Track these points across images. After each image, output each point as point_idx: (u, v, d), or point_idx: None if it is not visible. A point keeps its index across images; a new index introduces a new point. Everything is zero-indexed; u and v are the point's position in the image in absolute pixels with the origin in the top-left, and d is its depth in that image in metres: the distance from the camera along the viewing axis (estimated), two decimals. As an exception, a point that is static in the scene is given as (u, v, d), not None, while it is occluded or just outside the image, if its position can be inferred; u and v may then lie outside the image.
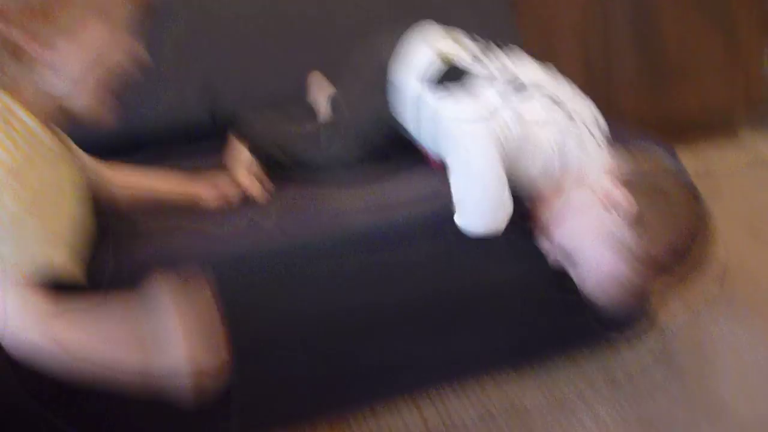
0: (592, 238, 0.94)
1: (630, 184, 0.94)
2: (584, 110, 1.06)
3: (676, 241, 0.92)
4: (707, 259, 0.95)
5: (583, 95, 1.09)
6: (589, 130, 1.02)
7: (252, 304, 0.98)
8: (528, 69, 1.09)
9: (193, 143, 1.38)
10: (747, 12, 2.51)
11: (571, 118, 1.01)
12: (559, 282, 1.02)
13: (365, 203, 1.04)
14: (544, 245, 1.00)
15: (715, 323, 1.33)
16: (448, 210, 1.01)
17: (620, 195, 0.92)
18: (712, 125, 2.68)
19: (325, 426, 1.14)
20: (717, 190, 2.09)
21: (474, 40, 1.14)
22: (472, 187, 0.98)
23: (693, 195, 0.95)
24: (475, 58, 1.07)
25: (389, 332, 1.12)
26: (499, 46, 1.14)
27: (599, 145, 1.02)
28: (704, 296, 1.43)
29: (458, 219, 0.99)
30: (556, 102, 1.02)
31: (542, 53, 2.26)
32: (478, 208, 0.99)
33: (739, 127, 2.72)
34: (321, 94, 1.38)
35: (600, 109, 1.08)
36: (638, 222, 0.91)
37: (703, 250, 0.94)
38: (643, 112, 2.45)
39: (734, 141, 2.65)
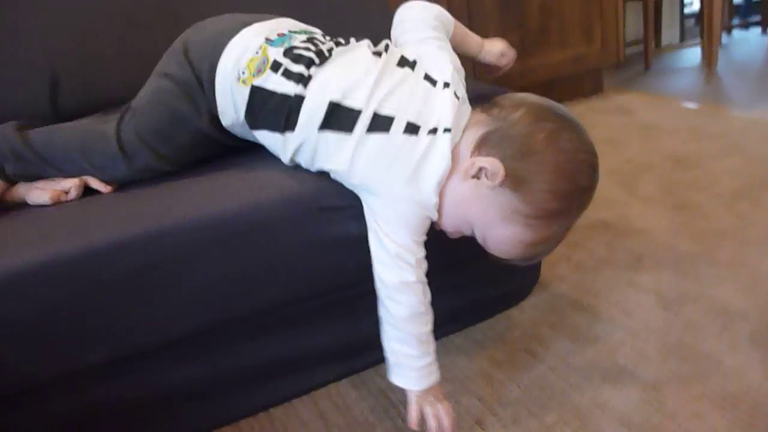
0: (476, 209, 0.89)
1: (500, 133, 0.88)
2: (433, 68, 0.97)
3: (561, 184, 0.86)
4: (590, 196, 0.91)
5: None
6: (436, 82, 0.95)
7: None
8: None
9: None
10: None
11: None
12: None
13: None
14: (441, 228, 0.95)
15: (602, 282, 1.34)
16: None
17: (483, 161, 0.86)
18: (578, 83, 2.76)
19: (215, 436, 1.05)
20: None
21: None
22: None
23: (574, 134, 0.89)
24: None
25: (269, 329, 1.05)
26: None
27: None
28: (590, 255, 1.45)
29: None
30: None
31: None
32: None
33: (602, 84, 2.82)
34: None
35: (469, 73, 1.03)
36: (514, 179, 0.86)
37: (590, 187, 0.90)
38: (511, 73, 2.47)
39: (599, 97, 2.75)
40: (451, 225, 0.94)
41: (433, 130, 0.89)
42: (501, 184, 0.86)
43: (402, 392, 0.98)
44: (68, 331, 0.85)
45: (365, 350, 1.13)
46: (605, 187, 1.80)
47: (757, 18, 3.88)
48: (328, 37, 1.03)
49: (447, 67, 0.96)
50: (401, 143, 0.88)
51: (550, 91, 2.66)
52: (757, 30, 3.78)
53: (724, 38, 3.66)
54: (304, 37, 1.01)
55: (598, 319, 1.22)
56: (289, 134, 0.94)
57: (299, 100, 0.92)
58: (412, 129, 0.89)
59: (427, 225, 0.92)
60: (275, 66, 0.95)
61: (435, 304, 0.96)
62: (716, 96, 2.63)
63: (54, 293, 0.83)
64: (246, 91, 0.95)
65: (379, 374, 1.14)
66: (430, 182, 0.89)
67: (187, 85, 1.00)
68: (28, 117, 1.20)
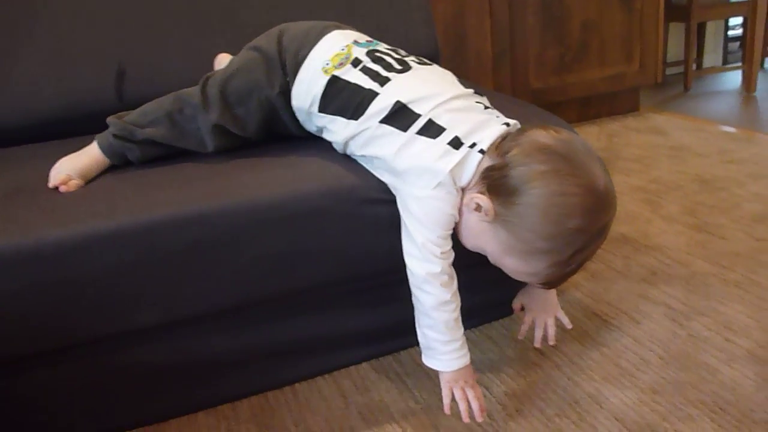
0: (482, 239, 0.97)
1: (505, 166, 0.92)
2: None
3: (546, 227, 0.89)
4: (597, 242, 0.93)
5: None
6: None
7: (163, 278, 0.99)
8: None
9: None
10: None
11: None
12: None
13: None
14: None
15: (615, 292, 1.42)
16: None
17: (479, 197, 0.93)
18: (615, 101, 2.81)
19: (244, 403, 1.16)
20: (617, 163, 2.21)
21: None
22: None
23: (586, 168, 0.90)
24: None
25: (302, 310, 1.15)
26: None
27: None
28: (606, 266, 1.53)
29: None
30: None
31: (452, 33, 2.34)
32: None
33: (639, 103, 2.87)
34: None
35: (508, 89, 1.12)
36: (504, 219, 0.92)
37: (584, 228, 0.90)
38: (549, 89, 2.55)
39: (635, 116, 2.80)
40: (469, 245, 1.01)
41: (472, 145, 0.96)
42: (495, 221, 0.93)
43: (418, 377, 1.07)
44: (125, 293, 0.97)
45: (387, 337, 1.23)
46: (630, 202, 1.87)
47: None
48: (414, 57, 1.13)
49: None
50: (443, 152, 0.96)
51: (587, 107, 2.74)
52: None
53: (767, 63, 3.66)
54: (389, 46, 1.14)
55: (607, 325, 1.30)
56: (353, 122, 1.04)
57: (372, 95, 1.02)
58: (456, 143, 0.96)
59: (452, 223, 0.99)
60: (356, 62, 1.07)
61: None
62: (752, 121, 2.66)
63: (115, 259, 0.95)
64: (324, 80, 1.07)
65: (397, 360, 1.24)
66: (457, 187, 0.97)
67: (269, 59, 1.12)
68: (95, 103, 1.34)
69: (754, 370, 1.13)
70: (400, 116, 1.00)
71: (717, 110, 2.86)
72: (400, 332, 1.21)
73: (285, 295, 1.09)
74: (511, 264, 0.96)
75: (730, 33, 3.82)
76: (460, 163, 0.95)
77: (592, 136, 2.55)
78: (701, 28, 3.49)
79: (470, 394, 1.02)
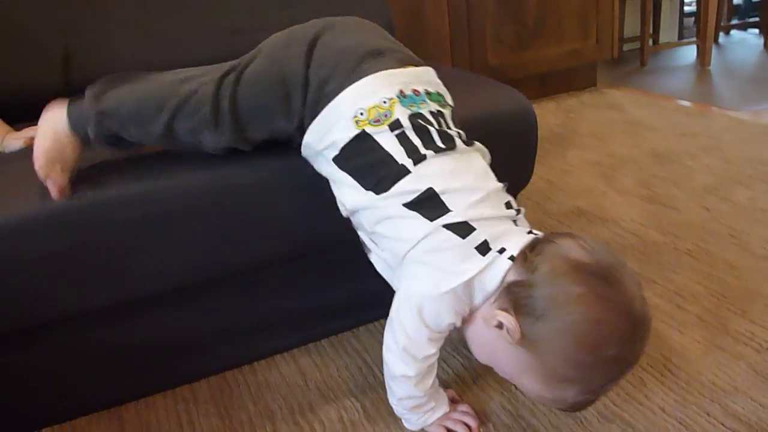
0: (499, 356, 0.88)
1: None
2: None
3: (579, 355, 0.79)
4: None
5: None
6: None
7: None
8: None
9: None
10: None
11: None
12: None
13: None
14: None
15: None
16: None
17: (502, 315, 0.83)
18: (572, 77, 2.84)
19: (203, 384, 1.16)
20: (574, 138, 2.24)
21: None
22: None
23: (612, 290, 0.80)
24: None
25: (258, 288, 1.15)
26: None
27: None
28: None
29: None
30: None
31: (408, 12, 2.33)
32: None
33: (596, 79, 2.90)
34: None
35: (466, 66, 1.10)
36: (531, 341, 0.82)
37: (620, 358, 0.81)
38: (506, 66, 2.56)
39: (592, 92, 2.83)
40: (482, 359, 0.94)
41: (501, 250, 0.86)
42: (518, 342, 0.83)
43: (376, 353, 1.07)
44: (70, 275, 0.96)
45: (345, 314, 1.24)
46: (585, 177, 1.90)
47: (756, 18, 3.94)
48: (453, 123, 0.97)
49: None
50: (469, 255, 0.86)
51: (544, 84, 2.76)
52: (755, 31, 3.85)
53: (722, 38, 3.73)
54: (435, 106, 0.95)
55: (562, 296, 1.32)
56: (372, 194, 0.90)
57: (403, 172, 0.88)
58: (484, 248, 0.86)
59: (449, 329, 0.91)
60: (395, 125, 0.90)
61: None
62: (705, 95, 2.71)
63: (58, 240, 0.93)
64: (353, 133, 0.90)
65: (356, 336, 1.24)
66: (475, 295, 0.88)
67: (289, 80, 0.94)
68: (42, 90, 1.31)
69: (702, 335, 1.16)
70: (428, 204, 0.87)
71: (672, 85, 2.91)
72: (358, 308, 1.22)
73: (238, 273, 1.09)
74: (531, 387, 0.86)
75: (686, 9, 3.87)
76: (485, 270, 0.85)
77: (549, 112, 2.57)
78: (657, 4, 3.54)
79: (460, 417, 1.00)
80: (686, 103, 2.59)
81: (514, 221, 0.93)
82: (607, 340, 0.79)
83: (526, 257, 0.84)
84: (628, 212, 1.66)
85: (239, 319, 1.15)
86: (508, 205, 0.93)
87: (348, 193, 0.94)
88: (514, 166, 1.23)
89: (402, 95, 0.92)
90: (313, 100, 0.93)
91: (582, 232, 1.56)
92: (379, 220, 0.91)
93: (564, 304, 0.80)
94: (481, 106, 1.18)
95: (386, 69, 0.93)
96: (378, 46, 0.97)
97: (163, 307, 1.08)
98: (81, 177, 0.98)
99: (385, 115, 0.90)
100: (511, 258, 0.85)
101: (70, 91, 1.17)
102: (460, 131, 0.97)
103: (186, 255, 1.02)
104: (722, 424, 0.97)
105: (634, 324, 0.81)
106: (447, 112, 0.98)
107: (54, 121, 0.96)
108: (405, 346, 0.89)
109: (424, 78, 0.98)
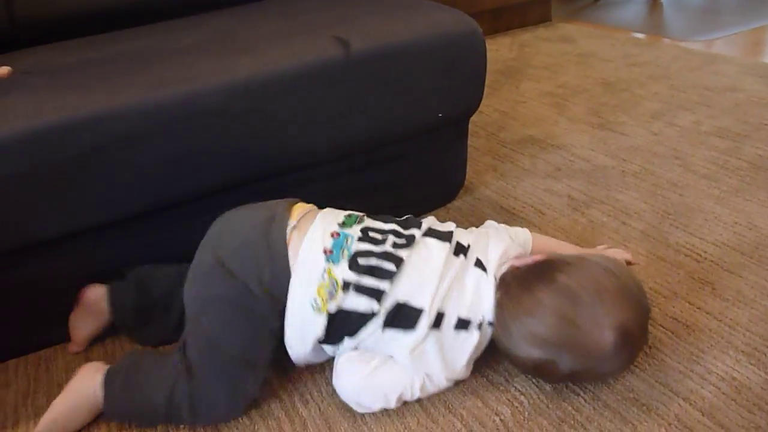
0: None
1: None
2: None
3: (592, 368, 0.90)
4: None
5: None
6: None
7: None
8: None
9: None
10: None
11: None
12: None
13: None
14: None
15: (522, 188, 1.48)
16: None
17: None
18: (526, 12, 2.84)
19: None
20: (528, 71, 2.26)
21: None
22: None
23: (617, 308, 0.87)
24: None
25: (214, 214, 1.15)
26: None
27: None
28: (514, 165, 1.58)
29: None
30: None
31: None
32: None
33: (550, 13, 2.91)
34: None
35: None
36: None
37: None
38: (459, 1, 2.55)
39: (546, 26, 2.84)
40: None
41: (479, 326, 0.92)
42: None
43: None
44: (20, 207, 0.94)
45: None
46: (538, 107, 1.93)
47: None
48: (380, 222, 0.99)
49: (494, 254, 0.97)
50: (453, 338, 0.91)
51: (498, 19, 2.76)
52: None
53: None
54: (357, 231, 0.95)
55: (514, 218, 1.36)
56: (353, 337, 0.93)
57: (372, 315, 0.90)
58: (463, 324, 0.91)
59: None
60: (345, 286, 0.90)
61: (370, 199, 1.06)
62: (657, 26, 2.75)
63: (4, 170, 0.91)
64: (323, 319, 0.91)
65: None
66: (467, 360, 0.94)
67: (242, 300, 0.92)
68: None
69: (646, 248, 1.22)
70: (402, 316, 0.90)
71: (625, 18, 2.94)
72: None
73: (192, 199, 1.09)
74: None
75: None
76: (479, 341, 0.92)
77: (504, 46, 2.58)
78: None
79: None
80: (638, 35, 2.62)
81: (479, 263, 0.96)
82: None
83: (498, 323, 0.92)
84: (578, 139, 1.70)
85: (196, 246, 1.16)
86: (458, 248, 0.96)
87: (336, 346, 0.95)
88: (463, 90, 1.25)
89: (328, 254, 0.92)
90: (276, 311, 0.92)
91: (534, 159, 1.60)
92: (374, 344, 0.93)
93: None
94: (429, 27, 1.18)
95: (288, 225, 0.94)
96: (264, 215, 0.97)
97: (116, 235, 1.07)
98: (25, 101, 0.96)
99: (333, 285, 0.90)
100: (491, 323, 0.92)
101: (16, 27, 1.12)
102: (394, 228, 0.97)
103: (136, 184, 1.01)
104: (661, 326, 1.03)
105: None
106: (369, 220, 0.99)
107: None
108: (447, 382, 0.95)
109: (327, 216, 0.98)
